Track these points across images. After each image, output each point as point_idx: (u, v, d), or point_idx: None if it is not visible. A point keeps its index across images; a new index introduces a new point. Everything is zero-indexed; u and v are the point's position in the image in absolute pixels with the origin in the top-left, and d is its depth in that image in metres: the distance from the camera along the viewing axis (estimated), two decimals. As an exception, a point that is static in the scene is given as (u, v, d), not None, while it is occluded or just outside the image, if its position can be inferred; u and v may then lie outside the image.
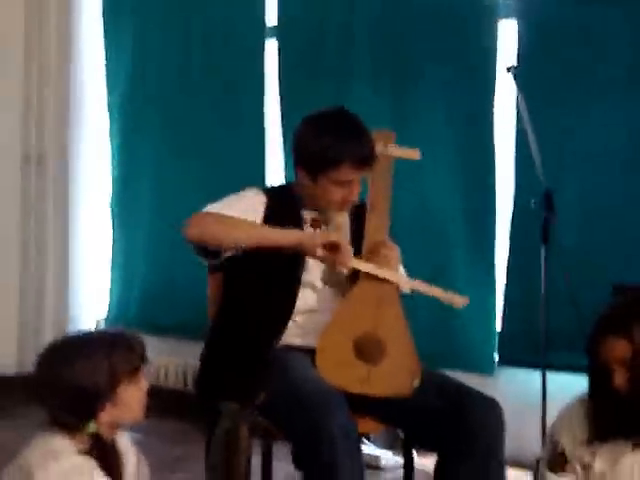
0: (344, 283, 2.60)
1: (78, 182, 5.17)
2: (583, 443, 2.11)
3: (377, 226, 2.57)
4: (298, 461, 2.29)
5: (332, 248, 2.43)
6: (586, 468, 2.11)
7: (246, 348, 2.52)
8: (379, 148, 2.57)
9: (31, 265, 5.11)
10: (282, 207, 2.59)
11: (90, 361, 1.87)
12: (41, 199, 5.13)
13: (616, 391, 2.08)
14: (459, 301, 2.58)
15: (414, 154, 2.65)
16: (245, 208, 2.55)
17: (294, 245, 2.44)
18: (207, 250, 2.52)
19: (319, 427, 2.20)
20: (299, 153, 2.58)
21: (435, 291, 2.57)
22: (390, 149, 2.59)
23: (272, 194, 2.65)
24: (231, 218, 2.51)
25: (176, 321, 4.59)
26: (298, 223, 2.59)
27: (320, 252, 2.42)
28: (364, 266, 2.52)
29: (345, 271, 2.55)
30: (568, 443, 2.13)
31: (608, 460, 2.12)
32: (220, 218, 2.51)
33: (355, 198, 2.56)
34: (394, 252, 2.57)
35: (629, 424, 2.09)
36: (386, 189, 2.58)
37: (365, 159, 2.50)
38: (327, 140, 2.48)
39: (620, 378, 2.06)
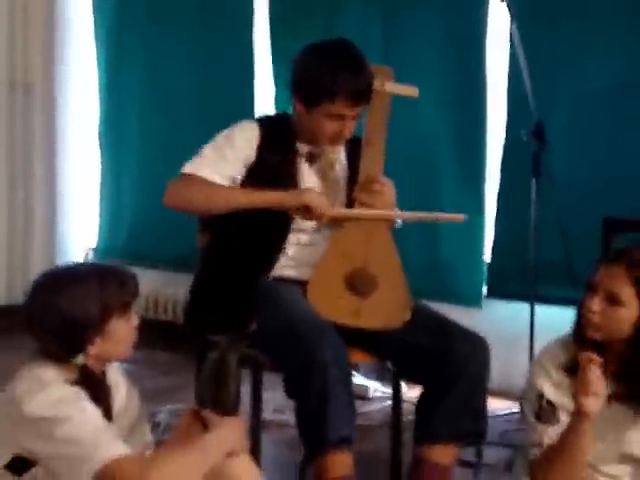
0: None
1: (66, 110, 5.11)
2: (565, 389, 2.08)
3: (372, 161, 2.55)
4: (290, 390, 2.32)
5: (308, 209, 2.43)
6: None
7: (236, 279, 2.53)
8: (377, 84, 2.53)
9: (18, 196, 5.07)
10: (277, 139, 2.57)
11: (82, 293, 1.86)
12: (28, 129, 5.07)
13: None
14: (459, 217, 2.58)
15: (412, 92, 2.61)
16: (228, 160, 2.52)
17: (272, 206, 2.45)
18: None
19: (311, 356, 2.22)
20: (296, 81, 2.54)
21: (427, 216, 2.58)
22: (388, 86, 2.55)
23: (267, 125, 2.61)
24: (208, 186, 2.48)
25: (165, 252, 4.59)
26: (293, 156, 2.57)
27: (297, 213, 2.45)
28: (346, 212, 2.52)
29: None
30: (551, 392, 2.10)
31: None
32: (197, 187, 2.49)
33: (348, 134, 2.54)
34: (388, 187, 2.56)
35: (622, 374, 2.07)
36: (382, 125, 2.56)
37: (361, 94, 2.47)
38: (324, 71, 2.45)
39: (596, 304, 2.02)
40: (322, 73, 2.45)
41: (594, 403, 1.98)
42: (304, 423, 2.29)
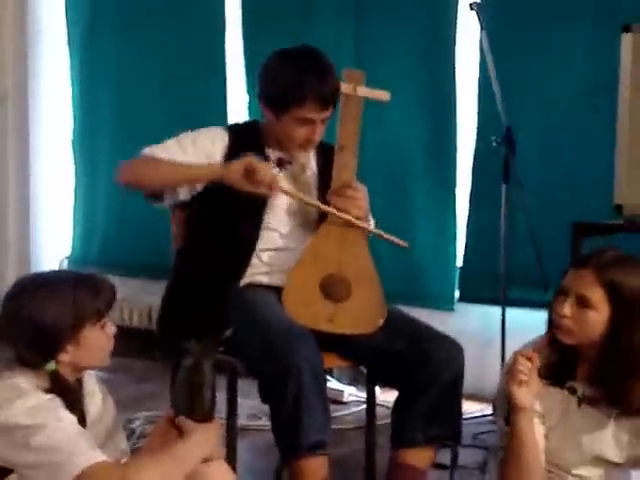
0: (312, 222, 2.62)
1: (39, 120, 5.10)
2: (536, 392, 2.09)
3: (345, 166, 2.56)
4: (265, 395, 2.33)
5: (251, 174, 2.41)
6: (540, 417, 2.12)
7: (208, 285, 2.54)
8: (349, 88, 2.55)
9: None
10: (246, 145, 2.58)
11: (54, 299, 1.87)
12: (1, 140, 5.05)
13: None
14: (402, 243, 2.60)
15: (384, 96, 2.62)
16: (187, 152, 2.53)
17: (216, 177, 2.45)
18: (153, 194, 2.55)
19: (285, 363, 2.24)
20: (264, 88, 2.57)
21: (373, 231, 2.60)
22: (360, 90, 2.56)
23: (236, 132, 2.63)
24: (155, 160, 2.51)
25: (140, 260, 4.58)
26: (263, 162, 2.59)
27: (242, 182, 2.42)
28: (295, 194, 2.54)
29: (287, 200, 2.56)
30: None
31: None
32: (145, 162, 2.53)
33: (318, 138, 2.56)
34: (361, 193, 2.58)
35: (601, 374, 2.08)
36: (355, 130, 2.57)
37: (327, 97, 2.50)
38: (291, 77, 2.47)
39: (567, 308, 2.04)
40: (289, 78, 2.47)
41: (525, 395, 2.02)
42: (279, 428, 2.31)
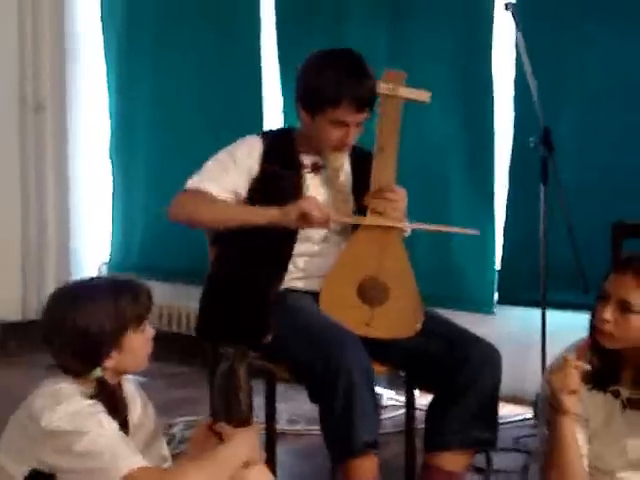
0: (348, 227, 2.62)
1: (77, 129, 5.15)
2: (578, 396, 2.08)
3: (384, 168, 2.54)
4: (314, 395, 2.33)
5: (306, 217, 2.43)
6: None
7: (246, 291, 2.54)
8: (389, 88, 2.52)
9: (32, 213, 5.11)
10: (280, 152, 2.59)
11: (97, 307, 1.89)
12: (40, 149, 5.11)
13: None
14: (472, 231, 2.58)
15: (424, 96, 2.59)
16: (230, 173, 2.54)
17: (273, 223, 2.46)
18: None
19: (336, 360, 2.24)
20: (300, 89, 2.57)
21: (439, 228, 2.59)
22: (400, 90, 2.53)
23: (271, 139, 2.64)
24: (208, 199, 2.52)
25: (178, 265, 4.61)
26: (297, 168, 2.59)
27: (299, 224, 2.46)
28: (352, 219, 2.55)
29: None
30: None
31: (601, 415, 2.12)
32: (196, 200, 2.53)
33: (351, 141, 2.55)
34: (400, 195, 2.56)
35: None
36: (394, 131, 2.54)
37: (364, 100, 2.49)
38: (328, 78, 2.47)
39: (608, 313, 2.03)
40: (326, 79, 2.47)
41: (574, 402, 2.02)
42: (330, 428, 2.30)
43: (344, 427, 2.24)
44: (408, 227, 2.63)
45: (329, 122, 2.50)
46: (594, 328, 2.08)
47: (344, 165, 2.65)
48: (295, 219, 2.44)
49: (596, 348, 2.08)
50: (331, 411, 2.26)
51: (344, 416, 2.24)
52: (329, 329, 2.34)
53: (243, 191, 2.57)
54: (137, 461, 1.78)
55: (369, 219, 2.54)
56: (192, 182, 2.56)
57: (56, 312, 1.91)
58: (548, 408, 2.07)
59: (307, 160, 2.62)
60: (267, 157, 2.57)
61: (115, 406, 1.90)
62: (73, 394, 1.85)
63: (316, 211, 2.43)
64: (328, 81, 2.47)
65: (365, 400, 2.24)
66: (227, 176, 2.54)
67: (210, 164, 2.59)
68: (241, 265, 2.59)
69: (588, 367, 2.03)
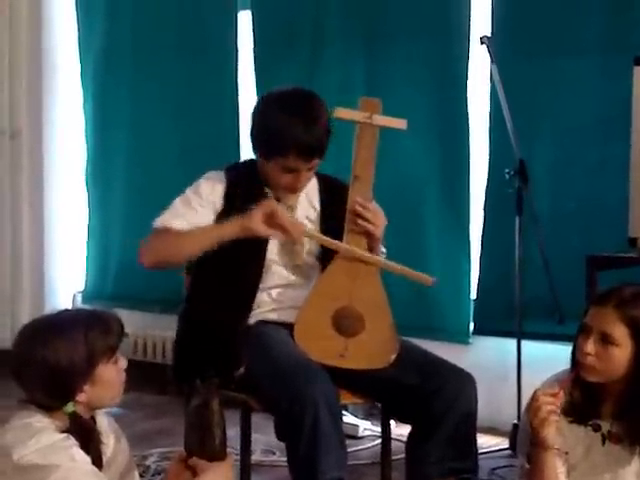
0: (319, 260, 2.62)
1: (53, 155, 5.13)
2: (560, 431, 2.08)
3: (361, 195, 2.52)
4: (281, 432, 2.32)
5: (273, 219, 2.40)
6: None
7: (216, 325, 2.53)
8: (365, 116, 2.51)
9: (6, 241, 5.09)
10: (245, 185, 2.59)
11: (67, 341, 1.87)
12: (15, 174, 5.10)
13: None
14: (428, 279, 2.58)
15: (400, 124, 2.59)
16: (196, 209, 2.54)
17: (240, 231, 2.44)
18: None
19: (301, 397, 2.23)
20: (252, 132, 2.58)
21: (397, 268, 2.57)
22: (376, 118, 2.53)
23: (234, 172, 2.63)
24: (177, 235, 2.51)
25: (153, 295, 4.59)
26: (262, 199, 2.56)
27: (266, 229, 2.42)
28: (320, 237, 2.52)
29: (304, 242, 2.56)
30: None
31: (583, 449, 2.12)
32: (164, 239, 2.53)
33: (302, 186, 2.56)
34: (379, 215, 2.54)
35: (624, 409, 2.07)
36: (370, 159, 2.53)
37: (311, 150, 2.48)
38: (275, 126, 2.46)
39: (590, 346, 2.04)
40: (273, 127, 2.46)
41: (553, 435, 2.01)
42: (296, 465, 2.29)
43: (309, 464, 2.23)
44: (366, 258, 2.55)
45: (280, 168, 2.51)
46: (576, 361, 2.09)
47: (311, 198, 2.65)
48: (261, 220, 2.40)
49: (577, 382, 2.08)
50: (296, 448, 2.25)
51: (309, 454, 2.22)
52: (296, 365, 2.32)
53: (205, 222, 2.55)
54: (108, 496, 1.76)
55: (336, 243, 2.51)
56: (159, 221, 2.56)
57: (25, 347, 1.89)
58: (529, 443, 2.07)
59: (271, 192, 2.60)
60: (232, 191, 2.57)
61: (88, 440, 1.88)
62: (45, 428, 1.83)
63: (281, 211, 2.42)
64: (274, 130, 2.46)
65: (330, 437, 2.23)
66: (193, 212, 2.54)
67: (176, 202, 2.58)
68: (210, 300, 2.58)
69: (561, 398, 2.03)
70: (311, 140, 2.46)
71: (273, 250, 2.57)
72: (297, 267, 2.60)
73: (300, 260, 2.60)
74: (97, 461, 1.89)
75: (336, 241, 2.53)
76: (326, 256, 2.58)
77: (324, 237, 2.55)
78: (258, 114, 2.57)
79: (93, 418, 1.97)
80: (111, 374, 1.93)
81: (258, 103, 2.61)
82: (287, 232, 2.43)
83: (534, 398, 2.03)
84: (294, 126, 2.44)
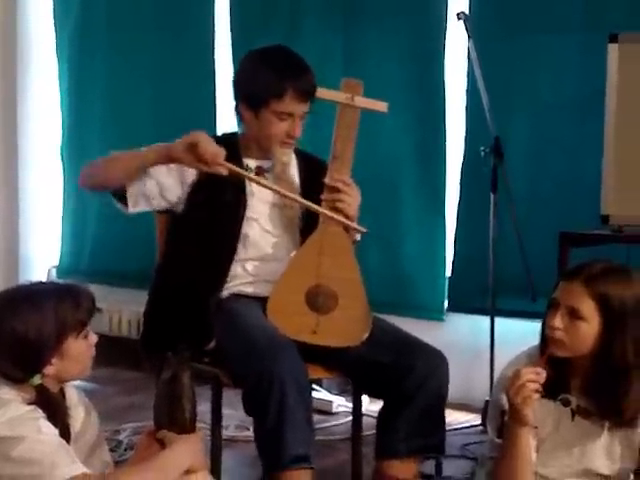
0: (299, 232, 2.61)
1: (27, 130, 5.09)
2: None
3: (340, 176, 2.52)
4: (248, 407, 2.32)
5: (195, 148, 2.37)
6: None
7: (188, 297, 2.52)
8: (346, 98, 2.52)
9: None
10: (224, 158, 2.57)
11: (37, 313, 1.86)
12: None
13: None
14: (362, 229, 2.57)
15: (382, 107, 2.59)
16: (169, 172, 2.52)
17: (164, 159, 2.43)
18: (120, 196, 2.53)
19: (269, 372, 2.22)
20: (241, 88, 2.57)
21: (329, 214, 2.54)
22: (357, 100, 2.54)
23: None
24: (109, 159, 2.51)
25: (128, 270, 4.57)
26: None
27: (190, 160, 2.38)
28: (243, 172, 2.50)
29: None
30: None
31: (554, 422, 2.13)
32: (101, 163, 2.53)
33: (298, 133, 2.55)
34: (354, 191, 2.54)
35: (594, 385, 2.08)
36: (350, 140, 2.54)
37: (307, 90, 2.51)
38: (270, 72, 2.49)
39: (558, 320, 2.05)
40: (268, 72, 2.49)
41: (531, 412, 2.03)
42: (262, 440, 2.30)
43: (275, 440, 2.23)
44: (300, 202, 2.55)
45: (274, 115, 2.51)
46: (545, 336, 2.10)
47: (291, 163, 2.64)
48: (182, 149, 2.38)
49: (546, 356, 2.09)
50: (263, 424, 2.25)
51: (275, 429, 2.22)
52: (265, 339, 2.32)
53: (181, 196, 2.54)
54: (76, 468, 1.76)
55: (276, 188, 2.50)
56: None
57: None
58: (508, 419, 2.07)
59: (251, 164, 2.61)
60: None
61: (55, 413, 1.87)
62: (12, 400, 1.83)
63: (204, 142, 2.38)
64: (270, 75, 2.48)
65: (297, 413, 2.23)
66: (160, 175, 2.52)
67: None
68: (183, 273, 2.56)
69: (543, 378, 2.04)
70: (306, 82, 2.50)
71: (251, 223, 2.55)
72: (276, 242, 2.59)
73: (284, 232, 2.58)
74: (65, 434, 1.88)
75: (286, 191, 2.52)
76: (307, 231, 2.58)
77: (260, 179, 2.52)
78: (248, 68, 2.58)
79: (62, 391, 1.96)
80: (80, 348, 1.92)
81: (245, 61, 2.61)
82: (206, 164, 2.38)
83: (518, 376, 2.03)
84: (289, 69, 2.50)
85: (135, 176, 2.48)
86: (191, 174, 2.54)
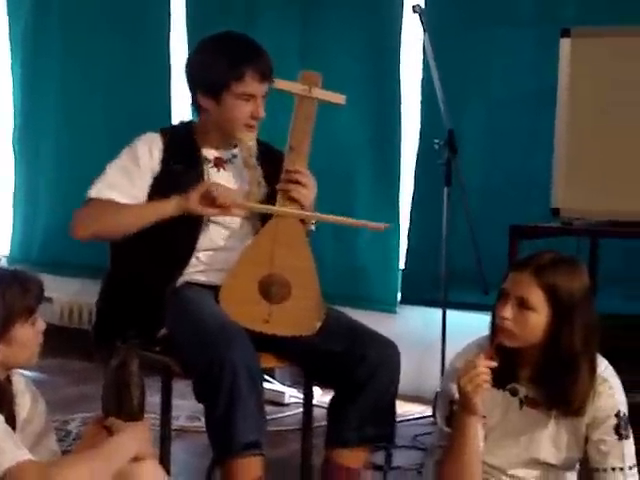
0: (254, 222, 2.60)
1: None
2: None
3: (295, 168, 2.52)
4: (199, 394, 2.30)
5: (209, 197, 2.41)
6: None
7: (142, 287, 2.50)
8: (304, 89, 2.52)
9: None
10: (181, 147, 2.56)
11: None
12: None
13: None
14: (379, 225, 2.59)
15: (339, 99, 2.59)
16: (133, 178, 2.50)
17: (179, 212, 2.43)
18: None
19: (221, 358, 2.21)
20: (198, 77, 2.55)
21: (345, 220, 2.58)
22: (315, 92, 2.54)
23: (170, 134, 2.60)
24: (114, 209, 2.47)
25: (80, 261, 4.51)
26: (198, 163, 2.55)
27: (205, 209, 2.42)
28: (259, 207, 2.52)
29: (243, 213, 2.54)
30: None
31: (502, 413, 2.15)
32: (103, 213, 2.48)
33: (262, 114, 2.54)
34: (311, 181, 2.54)
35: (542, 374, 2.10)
36: (307, 132, 2.54)
37: (265, 70, 2.51)
38: (227, 56, 2.49)
39: (507, 310, 2.06)
40: (224, 57, 2.49)
41: (481, 401, 2.04)
42: (213, 427, 2.28)
43: (226, 427, 2.22)
44: (319, 217, 2.60)
45: (236, 97, 2.50)
46: (495, 326, 2.11)
47: (254, 149, 2.62)
48: (197, 200, 2.41)
49: (496, 346, 2.11)
50: (214, 410, 2.24)
51: (226, 416, 2.21)
52: (216, 326, 2.31)
53: (146, 192, 2.53)
54: (21, 454, 1.73)
55: (278, 209, 2.51)
56: (94, 191, 2.50)
57: None
58: (457, 407, 2.09)
59: (210, 155, 2.60)
60: (168, 154, 2.53)
61: (1, 399, 1.85)
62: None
63: (220, 192, 2.41)
64: (227, 59, 2.48)
65: (249, 400, 2.22)
66: (130, 183, 2.50)
67: (112, 169, 2.52)
68: (139, 262, 2.54)
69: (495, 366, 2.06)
70: (263, 62, 2.51)
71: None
72: (230, 232, 2.58)
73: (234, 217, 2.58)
74: (10, 421, 1.85)
75: (281, 208, 2.52)
76: (260, 220, 2.58)
77: (264, 206, 2.53)
78: (201, 54, 2.57)
79: (9, 378, 1.94)
80: (28, 335, 1.90)
81: (197, 50, 2.60)
82: (226, 209, 2.43)
83: (471, 366, 2.04)
84: (245, 50, 2.51)
85: (146, 226, 2.45)
86: (156, 170, 2.52)
